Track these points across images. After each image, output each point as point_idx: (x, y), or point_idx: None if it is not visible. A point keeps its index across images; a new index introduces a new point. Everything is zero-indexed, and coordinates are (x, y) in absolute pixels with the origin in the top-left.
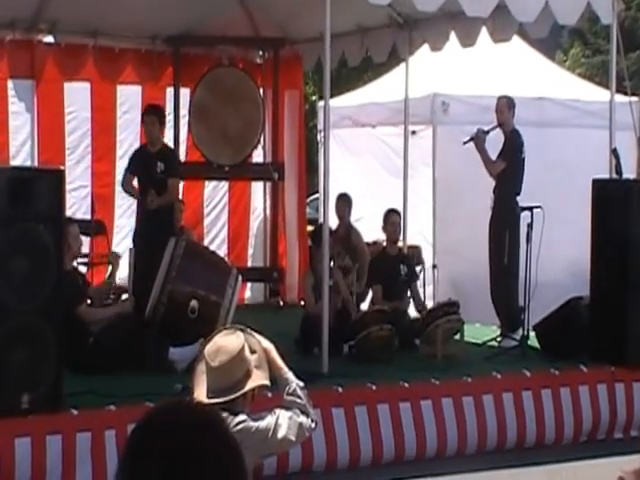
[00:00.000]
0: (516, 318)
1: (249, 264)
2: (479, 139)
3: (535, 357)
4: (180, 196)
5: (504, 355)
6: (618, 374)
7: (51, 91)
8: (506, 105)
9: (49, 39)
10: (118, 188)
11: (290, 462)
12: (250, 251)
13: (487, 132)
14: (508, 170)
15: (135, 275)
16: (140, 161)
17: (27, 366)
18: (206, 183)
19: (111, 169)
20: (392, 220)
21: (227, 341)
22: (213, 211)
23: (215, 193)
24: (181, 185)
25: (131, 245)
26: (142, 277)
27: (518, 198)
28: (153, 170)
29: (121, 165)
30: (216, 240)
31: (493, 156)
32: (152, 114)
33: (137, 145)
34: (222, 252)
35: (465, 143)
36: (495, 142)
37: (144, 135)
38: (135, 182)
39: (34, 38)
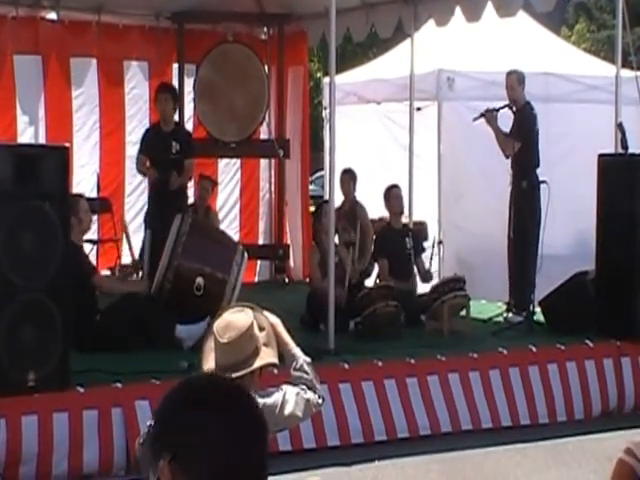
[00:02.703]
0: (526, 297)
1: (260, 241)
2: (491, 117)
3: (541, 332)
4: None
5: (510, 330)
6: (624, 348)
7: (58, 68)
8: (516, 81)
9: (52, 16)
10: (128, 165)
11: (303, 438)
12: (261, 228)
13: (498, 110)
14: (524, 147)
15: (151, 257)
16: (154, 141)
17: (34, 344)
18: (218, 160)
19: (120, 145)
20: (394, 193)
21: (236, 317)
22: (226, 188)
23: (227, 170)
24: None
25: (142, 223)
26: (157, 258)
27: (538, 170)
28: (168, 150)
29: (132, 140)
30: (229, 216)
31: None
32: (166, 92)
33: (147, 121)
34: (234, 229)
35: (475, 120)
36: (506, 117)
37: (157, 113)
38: (147, 162)
39: (37, 15)
